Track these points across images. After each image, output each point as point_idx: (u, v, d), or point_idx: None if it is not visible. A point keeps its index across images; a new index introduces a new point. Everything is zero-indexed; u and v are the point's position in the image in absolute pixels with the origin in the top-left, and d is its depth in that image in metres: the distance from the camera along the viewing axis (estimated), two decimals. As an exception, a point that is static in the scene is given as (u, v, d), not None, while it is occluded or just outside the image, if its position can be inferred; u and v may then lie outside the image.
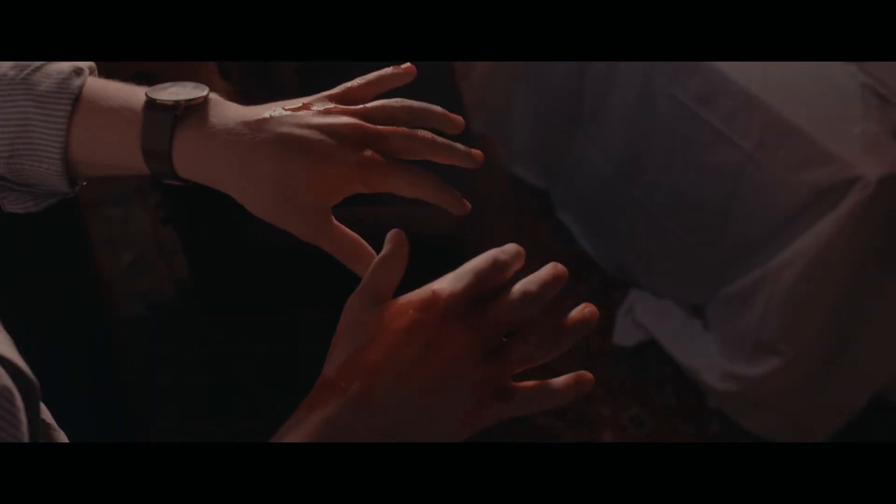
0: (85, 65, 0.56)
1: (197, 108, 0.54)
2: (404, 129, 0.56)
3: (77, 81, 0.55)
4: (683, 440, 1.81)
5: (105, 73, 0.57)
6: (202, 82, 0.56)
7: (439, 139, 0.57)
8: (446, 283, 0.49)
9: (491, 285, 0.49)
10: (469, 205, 0.58)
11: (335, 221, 0.57)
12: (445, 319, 0.47)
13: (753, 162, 1.59)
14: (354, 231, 0.58)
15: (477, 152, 0.57)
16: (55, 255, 1.40)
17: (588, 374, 0.49)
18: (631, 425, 1.83)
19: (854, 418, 1.73)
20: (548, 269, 0.50)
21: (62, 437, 0.49)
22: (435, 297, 0.48)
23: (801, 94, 1.57)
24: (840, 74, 1.62)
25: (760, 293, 1.63)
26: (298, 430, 0.47)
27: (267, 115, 0.55)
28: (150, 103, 0.54)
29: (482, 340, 0.47)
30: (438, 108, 0.58)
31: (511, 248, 0.51)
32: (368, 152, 0.54)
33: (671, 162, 1.78)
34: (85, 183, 0.59)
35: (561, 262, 0.51)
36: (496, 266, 0.49)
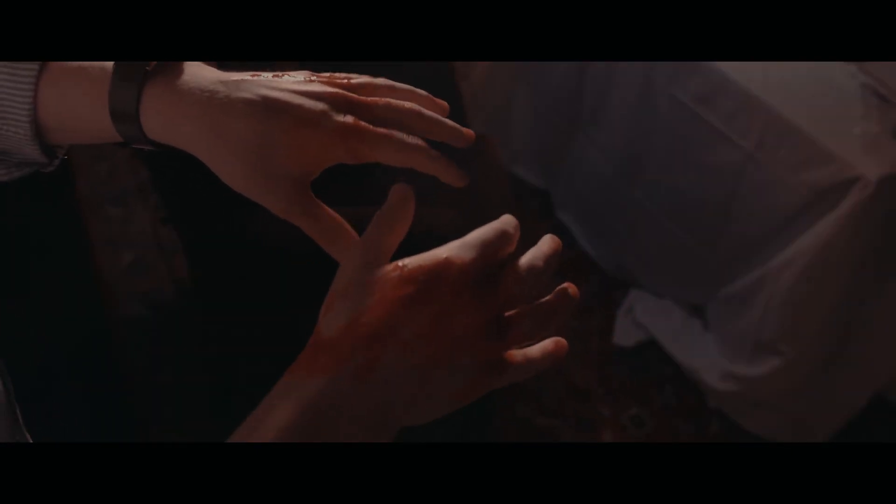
0: None
1: (170, 67, 0.52)
2: (389, 100, 0.54)
3: None
4: (683, 440, 1.81)
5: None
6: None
7: (427, 112, 0.54)
8: (457, 252, 0.47)
9: (498, 258, 0.48)
10: (467, 176, 0.55)
11: (316, 198, 0.54)
12: (456, 290, 0.45)
13: (753, 162, 1.59)
14: (354, 231, 0.56)
15: (468, 131, 0.55)
16: (55, 255, 1.40)
17: (562, 340, 0.49)
18: (631, 425, 1.83)
19: (854, 418, 1.73)
20: (548, 243, 0.50)
21: (26, 436, 0.49)
22: (447, 265, 0.46)
23: (801, 94, 1.57)
24: (840, 74, 1.62)
25: (760, 293, 1.63)
26: (296, 395, 0.44)
27: (247, 76, 0.53)
28: (120, 62, 0.52)
29: (490, 316, 0.46)
30: (423, 91, 0.56)
31: (511, 220, 0.50)
32: (351, 119, 0.52)
33: (671, 162, 1.78)
34: (64, 156, 0.57)
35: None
36: (504, 238, 0.48)
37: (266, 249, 1.45)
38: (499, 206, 1.69)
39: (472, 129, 0.57)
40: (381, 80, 0.56)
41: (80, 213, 1.48)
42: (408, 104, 0.54)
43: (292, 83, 0.53)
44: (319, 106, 0.52)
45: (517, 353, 0.47)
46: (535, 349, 0.48)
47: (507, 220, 0.49)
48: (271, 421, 0.44)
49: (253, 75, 0.53)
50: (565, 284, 0.50)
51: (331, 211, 0.54)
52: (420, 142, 0.53)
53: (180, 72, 0.52)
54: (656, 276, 1.95)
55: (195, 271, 1.72)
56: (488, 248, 0.47)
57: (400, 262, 0.46)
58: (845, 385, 1.70)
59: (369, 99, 0.54)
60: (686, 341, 1.88)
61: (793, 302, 1.58)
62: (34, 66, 0.52)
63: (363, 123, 0.52)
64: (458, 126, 0.55)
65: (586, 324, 1.99)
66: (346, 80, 0.54)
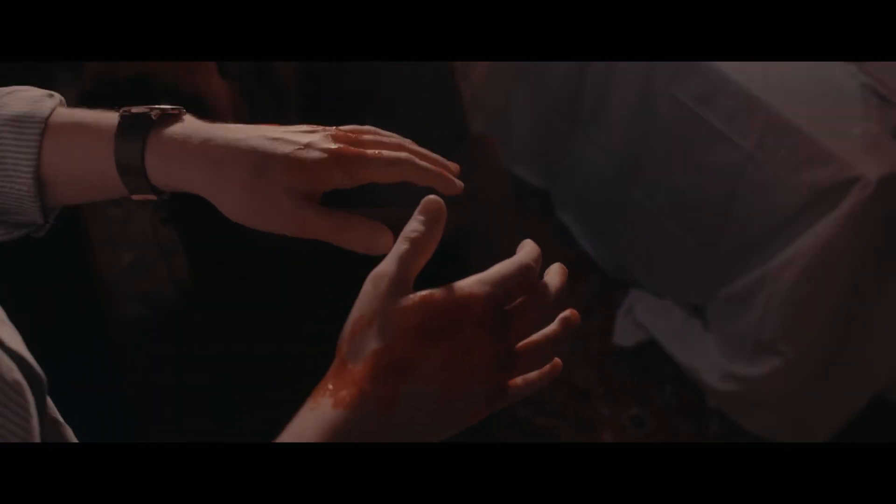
0: (56, 93, 0.57)
1: (172, 118, 0.55)
2: (380, 136, 0.57)
3: (49, 103, 0.55)
4: (683, 440, 1.81)
5: (105, 73, 0.57)
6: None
7: (414, 146, 0.57)
8: (481, 288, 0.48)
9: (519, 294, 0.49)
10: (461, 184, 0.56)
11: (320, 206, 0.55)
12: (477, 325, 0.47)
13: (753, 162, 1.59)
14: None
15: (458, 183, 0.56)
16: (55, 255, 1.40)
17: (559, 361, 0.51)
18: (631, 425, 1.83)
19: (854, 418, 1.73)
20: (558, 275, 0.51)
21: (69, 433, 0.50)
22: (471, 301, 0.47)
23: (801, 94, 1.57)
24: (840, 74, 1.62)
25: (760, 293, 1.63)
26: (321, 427, 0.45)
27: (242, 126, 0.55)
28: (125, 113, 0.54)
29: (505, 349, 0.48)
30: (410, 143, 0.57)
31: (533, 251, 0.51)
32: (343, 145, 0.54)
33: (671, 162, 1.78)
34: (55, 220, 0.58)
35: (561, 262, 0.52)
36: (526, 274, 0.49)
37: (266, 249, 1.45)
38: (499, 206, 1.69)
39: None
40: (367, 129, 0.58)
41: (80, 213, 1.48)
42: (395, 138, 0.57)
43: (286, 128, 0.56)
44: (314, 136, 0.55)
45: (517, 379, 0.50)
46: (534, 373, 0.51)
47: (529, 253, 0.50)
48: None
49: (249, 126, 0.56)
50: (568, 313, 0.51)
51: (336, 211, 0.55)
52: (411, 156, 0.55)
53: (181, 120, 0.55)
54: (656, 276, 1.95)
55: (195, 271, 1.72)
56: (510, 284, 0.49)
57: (427, 295, 0.47)
58: (845, 385, 1.70)
59: (359, 137, 0.56)
60: (686, 341, 1.88)
61: (793, 302, 1.58)
62: (39, 124, 0.54)
63: (353, 148, 0.55)
64: (446, 175, 0.56)
65: (586, 324, 1.99)
66: (335, 129, 0.57)
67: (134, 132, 0.53)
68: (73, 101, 0.57)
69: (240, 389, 1.83)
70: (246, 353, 1.86)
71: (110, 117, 0.54)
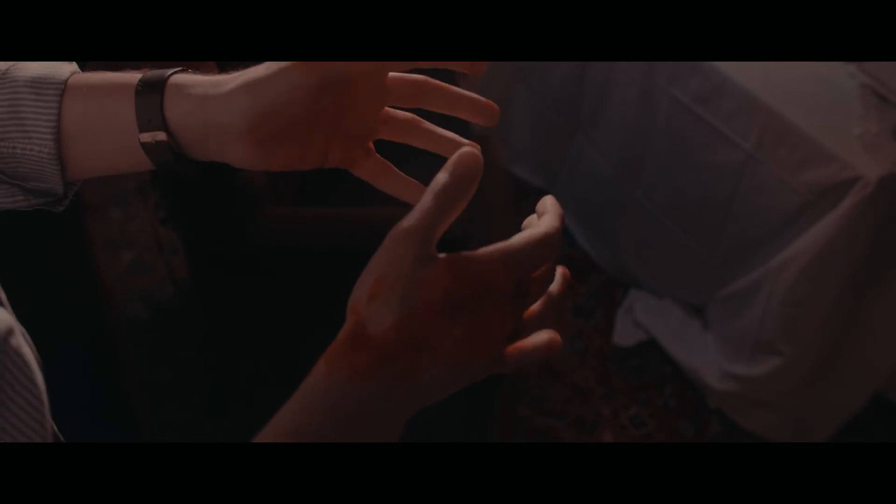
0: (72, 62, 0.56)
1: (187, 72, 0.55)
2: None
3: (67, 66, 0.54)
4: (683, 440, 1.81)
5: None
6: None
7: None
8: (505, 262, 0.45)
9: (540, 266, 0.48)
10: (496, 110, 0.56)
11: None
12: (500, 299, 0.45)
13: (753, 162, 1.59)
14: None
15: (494, 108, 0.56)
16: (55, 255, 1.40)
17: (557, 337, 0.48)
18: (631, 425, 1.83)
19: (854, 418, 1.73)
20: (560, 279, 0.51)
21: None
22: (497, 276, 0.45)
23: (801, 94, 1.57)
24: (840, 74, 1.62)
25: (760, 293, 1.63)
26: (337, 398, 0.44)
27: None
28: (144, 74, 0.54)
29: (518, 321, 0.47)
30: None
31: (556, 215, 0.49)
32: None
33: (671, 162, 1.79)
34: (75, 193, 0.57)
35: (561, 263, 0.52)
36: (552, 247, 0.47)
37: (266, 249, 1.45)
38: (499, 206, 1.69)
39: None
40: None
41: (80, 214, 1.48)
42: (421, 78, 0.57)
43: None
44: None
45: (513, 349, 0.48)
46: (530, 344, 0.48)
47: (553, 220, 0.48)
48: (311, 425, 0.45)
49: None
50: (563, 269, 0.51)
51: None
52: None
53: (194, 74, 0.55)
54: (656, 276, 1.95)
55: (195, 271, 1.72)
56: (535, 258, 0.47)
57: (452, 263, 0.45)
58: (845, 385, 1.70)
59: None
60: (686, 341, 1.88)
61: (792, 302, 1.58)
62: (58, 83, 0.53)
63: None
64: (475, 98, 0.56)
65: (586, 324, 1.99)
66: None
67: (153, 87, 0.52)
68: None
69: (240, 389, 1.83)
70: (246, 353, 1.86)
71: (129, 77, 0.54)
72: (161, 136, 0.52)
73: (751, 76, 1.59)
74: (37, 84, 0.52)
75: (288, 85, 0.52)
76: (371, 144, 0.58)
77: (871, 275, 1.56)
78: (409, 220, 0.45)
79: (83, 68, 0.56)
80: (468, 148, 0.47)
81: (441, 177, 0.46)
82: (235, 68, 0.55)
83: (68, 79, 0.53)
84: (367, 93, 0.55)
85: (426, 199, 0.45)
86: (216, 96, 0.53)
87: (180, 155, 0.54)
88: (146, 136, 0.52)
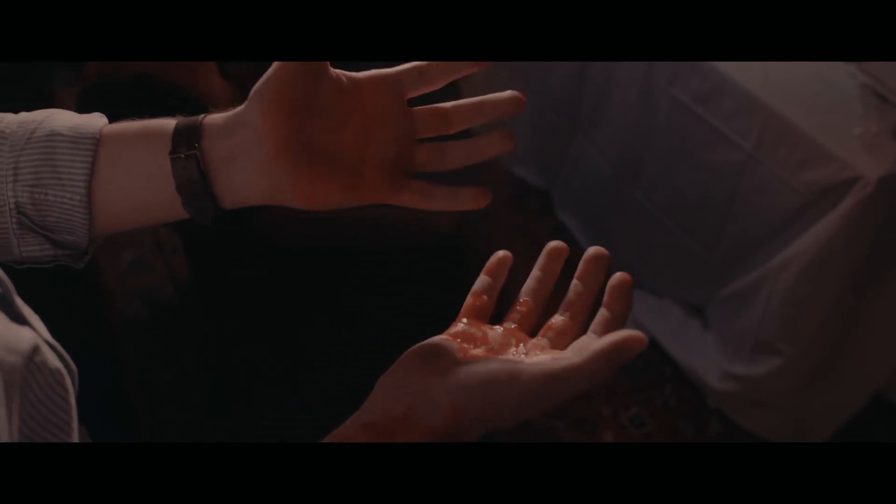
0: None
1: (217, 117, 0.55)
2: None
3: (98, 119, 0.55)
4: (683, 440, 1.81)
5: (105, 73, 0.57)
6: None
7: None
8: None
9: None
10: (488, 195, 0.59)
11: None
12: None
13: (753, 162, 1.59)
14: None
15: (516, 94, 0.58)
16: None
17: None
18: (631, 425, 1.83)
19: (854, 418, 1.73)
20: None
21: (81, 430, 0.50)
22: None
23: (801, 94, 1.57)
24: (840, 74, 1.62)
25: (760, 293, 1.63)
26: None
27: None
28: (178, 122, 0.54)
29: None
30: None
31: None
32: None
33: (671, 162, 1.78)
34: (98, 245, 0.58)
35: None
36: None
37: (266, 249, 1.45)
38: (499, 206, 1.69)
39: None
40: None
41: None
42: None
43: None
44: None
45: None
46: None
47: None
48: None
49: None
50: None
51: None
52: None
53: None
54: (656, 276, 1.95)
55: (195, 271, 1.72)
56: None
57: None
58: (845, 385, 1.70)
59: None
60: (685, 341, 1.88)
61: (792, 302, 1.58)
62: (94, 131, 0.54)
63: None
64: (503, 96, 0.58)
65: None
66: None
67: (186, 155, 0.53)
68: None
69: (240, 389, 1.83)
70: (246, 353, 1.86)
71: (165, 121, 0.54)
72: (191, 151, 0.53)
73: (751, 76, 1.59)
74: (74, 131, 0.53)
75: (286, 72, 0.52)
76: (409, 175, 0.58)
77: (871, 275, 1.56)
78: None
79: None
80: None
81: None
82: (235, 68, 0.55)
83: (102, 128, 0.54)
84: (384, 110, 0.55)
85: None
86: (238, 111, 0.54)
87: (206, 186, 0.53)
88: (176, 155, 0.53)
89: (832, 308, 1.58)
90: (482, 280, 0.58)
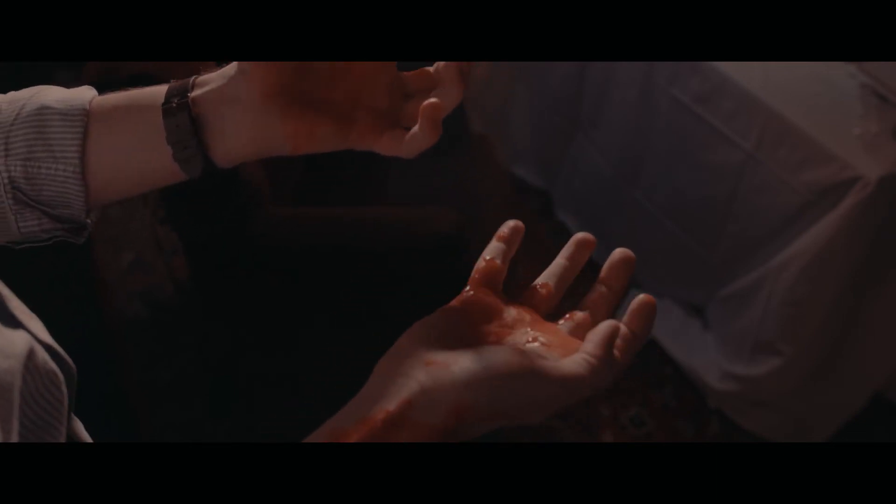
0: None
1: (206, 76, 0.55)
2: None
3: (89, 92, 0.55)
4: (683, 440, 1.81)
5: (105, 73, 0.57)
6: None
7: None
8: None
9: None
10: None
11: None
12: None
13: (753, 162, 1.59)
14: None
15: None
16: (55, 254, 1.40)
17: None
18: (631, 425, 1.83)
19: (854, 418, 1.73)
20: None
21: (81, 428, 0.50)
22: None
23: (801, 94, 1.57)
24: (840, 74, 1.62)
25: (760, 293, 1.63)
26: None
27: None
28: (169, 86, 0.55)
29: None
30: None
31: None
32: None
33: (671, 162, 1.78)
34: (97, 215, 0.58)
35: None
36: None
37: (266, 249, 1.45)
38: (499, 206, 1.69)
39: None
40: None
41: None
42: None
43: None
44: None
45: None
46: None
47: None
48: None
49: None
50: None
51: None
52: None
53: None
54: (656, 276, 1.95)
55: (195, 271, 1.72)
56: None
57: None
58: (845, 385, 1.70)
59: None
60: (686, 341, 1.88)
61: (792, 302, 1.58)
62: (84, 100, 0.54)
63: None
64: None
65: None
66: None
67: (178, 103, 0.53)
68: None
69: (240, 389, 1.83)
70: (246, 353, 1.86)
71: (156, 88, 0.54)
72: (182, 99, 0.53)
73: (751, 76, 1.59)
74: (64, 103, 0.54)
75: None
76: (397, 125, 0.56)
77: (871, 275, 1.56)
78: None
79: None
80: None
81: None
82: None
83: (91, 100, 0.54)
84: (376, 71, 0.55)
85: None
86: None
87: (196, 133, 0.53)
88: (168, 105, 0.53)
89: (832, 308, 1.58)
90: (495, 246, 0.57)
